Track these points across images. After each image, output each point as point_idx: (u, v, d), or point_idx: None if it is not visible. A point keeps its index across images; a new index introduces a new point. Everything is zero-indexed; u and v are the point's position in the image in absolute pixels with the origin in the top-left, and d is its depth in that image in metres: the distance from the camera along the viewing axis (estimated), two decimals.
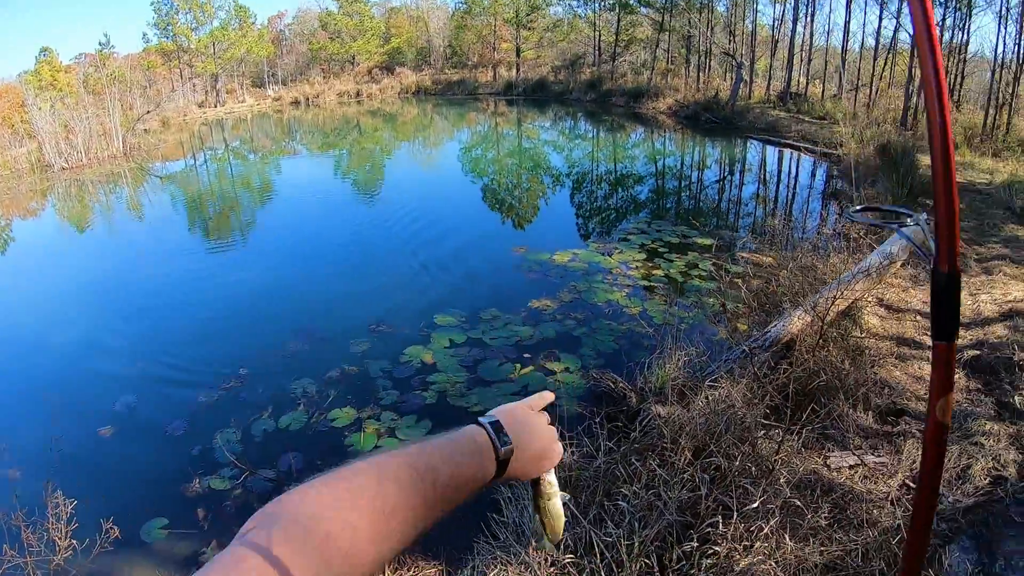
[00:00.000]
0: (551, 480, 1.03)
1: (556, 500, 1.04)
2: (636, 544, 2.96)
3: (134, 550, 4.04)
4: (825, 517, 3.04)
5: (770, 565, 2.78)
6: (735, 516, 2.91)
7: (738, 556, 2.78)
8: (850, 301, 5.34)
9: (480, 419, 0.92)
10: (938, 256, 0.81)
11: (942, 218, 0.80)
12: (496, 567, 3.21)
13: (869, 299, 5.97)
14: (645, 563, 2.96)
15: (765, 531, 2.85)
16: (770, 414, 3.91)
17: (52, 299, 8.57)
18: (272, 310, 7.54)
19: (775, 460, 3.32)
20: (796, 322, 4.85)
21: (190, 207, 14.28)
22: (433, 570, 3.55)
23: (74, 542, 3.51)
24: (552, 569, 3.10)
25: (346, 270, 9.08)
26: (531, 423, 0.98)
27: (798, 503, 3.04)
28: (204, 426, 5.09)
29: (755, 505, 2.93)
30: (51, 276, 9.79)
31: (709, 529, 2.96)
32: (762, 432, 3.60)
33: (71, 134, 18.99)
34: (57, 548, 3.50)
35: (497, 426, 0.91)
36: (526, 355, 5.77)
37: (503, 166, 17.60)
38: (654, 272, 7.62)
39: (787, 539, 2.88)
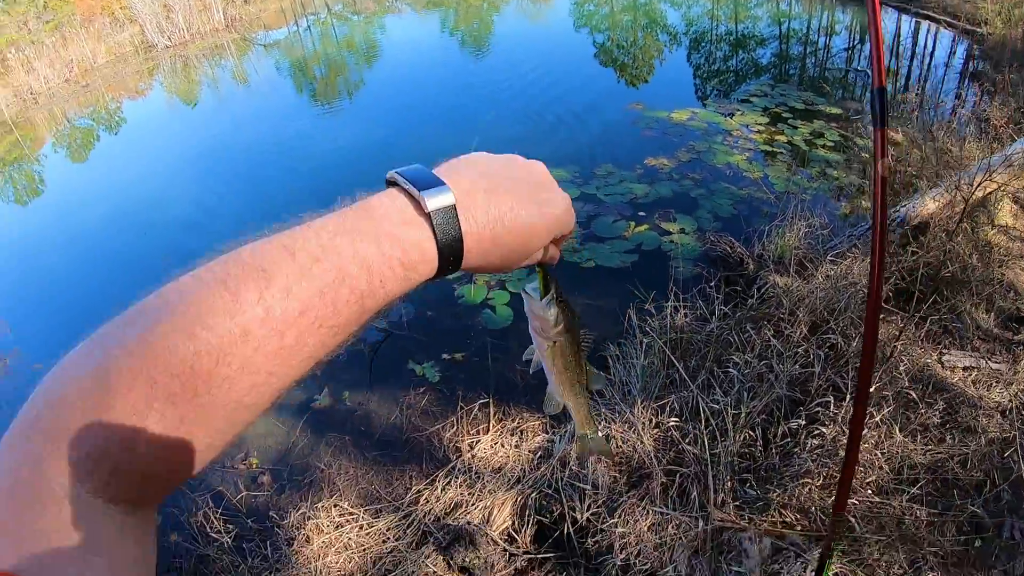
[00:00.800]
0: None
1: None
2: (743, 414, 3.07)
3: None
4: (938, 416, 3.07)
5: (876, 455, 2.87)
6: (847, 399, 2.95)
7: (844, 441, 2.86)
8: (989, 191, 5.00)
9: (396, 172, 0.63)
10: None
11: None
12: (600, 423, 3.39)
13: (1006, 192, 5.60)
14: (749, 435, 3.10)
15: (876, 419, 2.91)
16: (891, 298, 3.84)
17: (165, 171, 8.76)
18: (381, 168, 7.48)
19: (894, 347, 3.31)
20: (929, 204, 4.61)
21: (295, 73, 13.98)
22: (536, 422, 3.78)
23: None
24: (656, 431, 3.28)
25: (457, 126, 8.86)
26: (503, 170, 0.68)
27: (913, 395, 3.07)
28: None
29: (871, 389, 2.95)
30: (163, 149, 9.93)
31: (818, 409, 3.04)
32: (881, 315, 3.57)
33: (171, 12, 18.33)
34: None
35: (425, 179, 0.61)
36: (641, 213, 5.72)
37: (617, 22, 16.34)
38: (777, 138, 7.21)
39: (897, 431, 2.94)
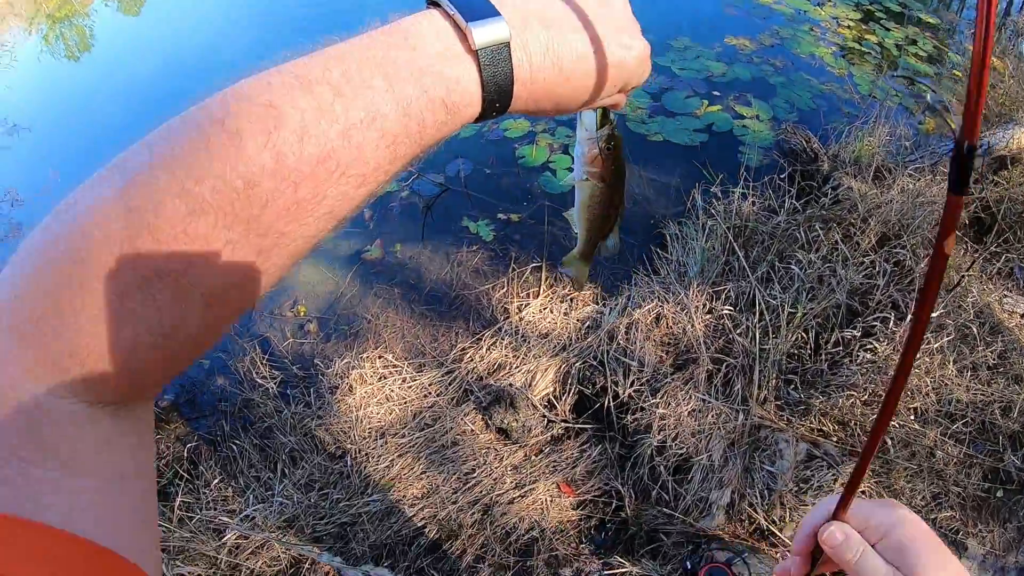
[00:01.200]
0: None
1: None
2: (799, 314, 3.01)
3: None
4: (993, 356, 2.98)
5: (925, 382, 2.80)
6: (907, 319, 2.85)
7: (896, 361, 2.78)
8: None
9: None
10: None
11: None
12: (652, 301, 3.34)
13: None
14: (801, 336, 3.04)
15: (933, 346, 2.82)
16: (965, 226, 3.67)
17: (221, 18, 8.31)
18: None
19: (963, 276, 3.18)
20: (1021, 138, 4.31)
21: None
22: (589, 291, 3.74)
23: None
24: (708, 317, 3.22)
25: None
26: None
27: (974, 330, 2.97)
28: None
29: (934, 315, 2.86)
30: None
31: (876, 324, 2.97)
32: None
33: None
34: None
35: (472, 2, 0.50)
36: (715, 92, 5.41)
37: None
38: (867, 37, 6.69)
39: (950, 363, 2.86)
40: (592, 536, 2.89)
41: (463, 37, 0.49)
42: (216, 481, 3.05)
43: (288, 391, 3.50)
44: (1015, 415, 2.81)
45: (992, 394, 2.86)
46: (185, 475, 3.15)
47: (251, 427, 3.35)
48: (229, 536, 2.76)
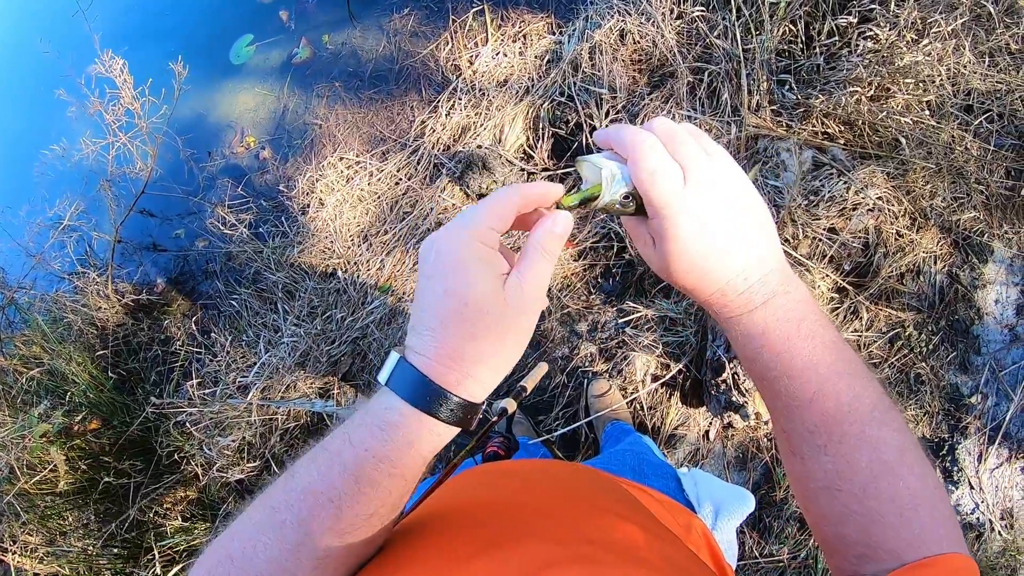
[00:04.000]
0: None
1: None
2: (782, 4, 2.64)
3: (230, 76, 4.03)
4: (1016, 41, 2.55)
5: (937, 70, 2.45)
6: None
7: (903, 49, 2.44)
8: None
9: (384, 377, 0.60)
10: None
11: None
12: (612, 17, 2.97)
13: None
14: (789, 29, 2.68)
15: (945, 30, 2.42)
16: None
17: None
18: None
19: None
20: None
21: None
22: (540, 23, 3.33)
23: (150, 98, 3.42)
24: (679, 23, 2.85)
25: None
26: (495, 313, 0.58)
27: (992, 10, 2.51)
28: None
29: None
30: None
31: (874, 7, 2.57)
32: None
33: None
34: (135, 114, 3.41)
35: (416, 382, 0.58)
36: None
37: None
38: None
39: (966, 48, 2.47)
40: (600, 285, 2.81)
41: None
42: (229, 341, 3.03)
43: (262, 228, 3.38)
44: None
45: (1012, 83, 2.51)
46: (201, 347, 3.14)
47: (242, 278, 3.29)
48: (253, 393, 2.77)
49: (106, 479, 2.69)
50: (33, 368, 2.92)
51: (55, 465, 2.58)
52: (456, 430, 0.59)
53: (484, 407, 0.61)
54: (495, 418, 0.82)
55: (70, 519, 2.65)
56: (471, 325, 0.57)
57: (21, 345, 3.03)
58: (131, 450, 2.85)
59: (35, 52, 4.37)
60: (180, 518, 2.77)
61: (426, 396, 0.57)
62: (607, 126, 0.72)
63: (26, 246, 3.74)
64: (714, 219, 0.62)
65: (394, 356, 0.60)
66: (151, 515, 2.76)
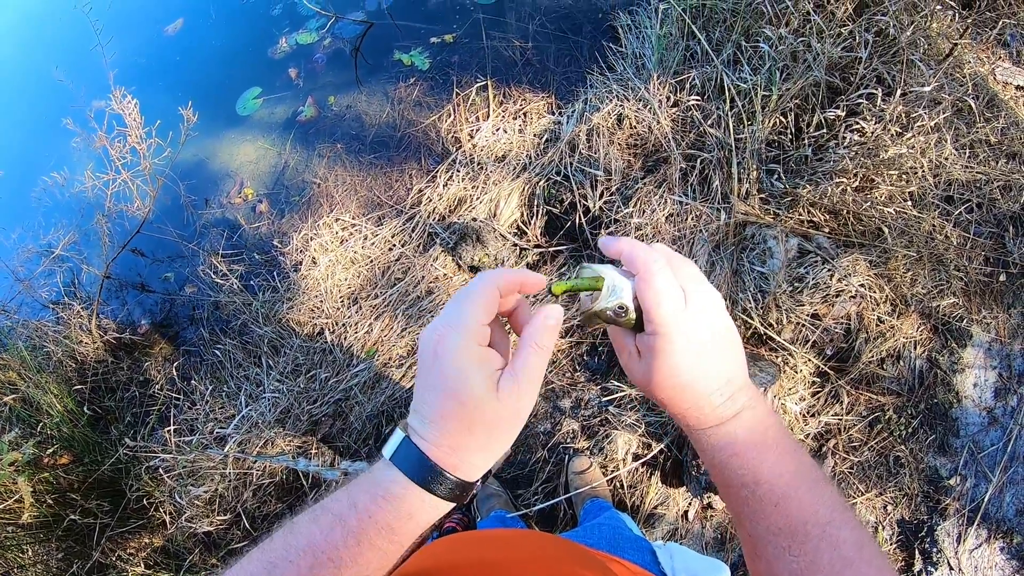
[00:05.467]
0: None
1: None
2: (774, 97, 2.73)
3: (234, 127, 4.08)
4: (995, 134, 2.73)
5: (920, 162, 2.58)
6: (897, 94, 2.60)
7: (887, 142, 2.56)
8: None
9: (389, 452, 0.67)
10: None
11: None
12: (611, 101, 3.07)
13: None
14: (779, 120, 2.79)
15: (928, 124, 2.56)
16: None
17: None
18: None
19: (955, 45, 2.84)
20: None
21: None
22: (541, 102, 3.44)
23: (156, 140, 3.50)
24: (674, 111, 2.96)
25: None
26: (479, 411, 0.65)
27: (972, 105, 2.68)
28: None
29: (927, 88, 2.57)
30: None
31: (861, 101, 2.69)
32: (939, 5, 3.00)
33: None
34: (139, 153, 3.49)
35: (419, 463, 0.64)
36: None
37: None
38: None
39: (948, 142, 2.61)
40: (586, 362, 2.85)
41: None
42: (209, 391, 3.01)
43: (252, 280, 3.39)
44: (1015, 194, 2.64)
45: (991, 173, 2.66)
46: (180, 392, 3.11)
47: (228, 328, 3.28)
48: (231, 446, 2.75)
49: (72, 517, 2.63)
50: (7, 394, 2.89)
51: (21, 496, 2.54)
52: (452, 505, 0.65)
53: (478, 486, 0.67)
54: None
55: (30, 552, 2.59)
56: (469, 421, 0.62)
57: None
58: (100, 490, 2.79)
59: (48, 79, 4.44)
60: (143, 565, 2.71)
61: (427, 475, 0.63)
62: (609, 235, 0.80)
63: (15, 270, 3.74)
64: (704, 340, 0.68)
65: (399, 435, 0.66)
66: (113, 558, 2.70)
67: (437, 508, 0.64)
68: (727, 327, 0.71)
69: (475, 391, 0.62)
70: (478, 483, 0.67)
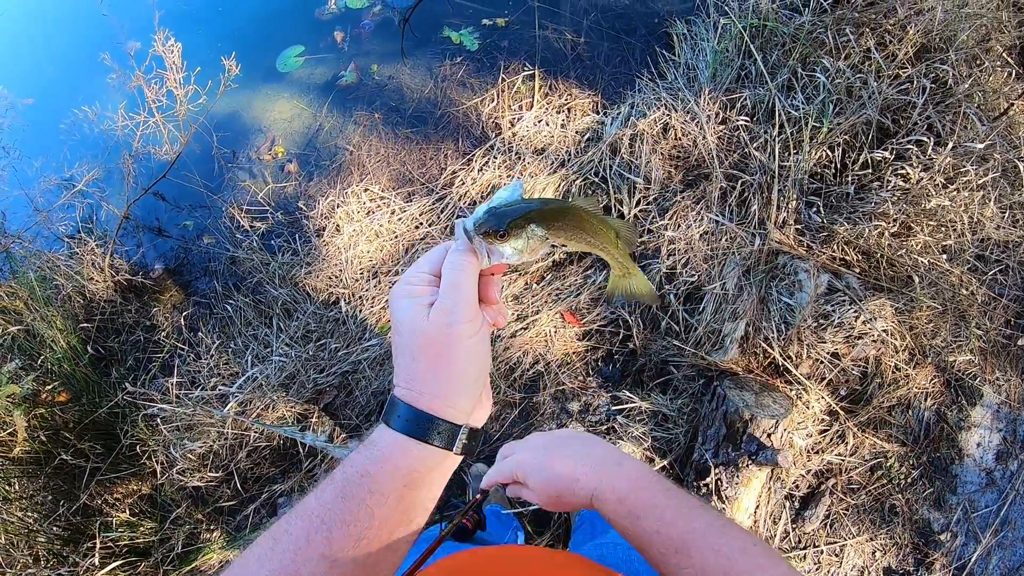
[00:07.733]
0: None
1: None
2: (824, 129, 2.70)
3: (272, 82, 4.02)
4: None
5: (961, 218, 2.55)
6: (948, 146, 2.56)
7: (931, 192, 2.53)
8: None
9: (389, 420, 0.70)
10: None
11: None
12: (658, 109, 3.03)
13: None
14: (826, 154, 2.76)
15: (974, 181, 2.53)
16: (1013, 49, 3.15)
17: None
18: None
19: (1011, 104, 2.80)
20: None
21: None
22: (586, 100, 3.40)
23: (195, 87, 3.48)
24: (721, 128, 2.92)
25: None
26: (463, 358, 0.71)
27: (1021, 168, 2.65)
28: None
29: (980, 146, 2.53)
30: None
31: (910, 147, 2.66)
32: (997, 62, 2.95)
33: None
34: (176, 98, 3.45)
35: (387, 402, 0.70)
36: None
37: None
38: None
39: (992, 202, 2.59)
40: (599, 368, 2.82)
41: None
42: (216, 345, 2.98)
43: (273, 241, 3.35)
44: None
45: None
46: (186, 343, 3.09)
47: (242, 284, 3.24)
48: (232, 405, 2.73)
49: (63, 456, 2.61)
50: (12, 324, 2.86)
51: (15, 430, 2.52)
52: (423, 446, 0.67)
53: (461, 435, 0.70)
54: (478, 496, 1.04)
55: (16, 486, 2.57)
56: (409, 348, 0.68)
57: (4, 296, 2.96)
58: (94, 432, 2.77)
59: (92, 11, 4.38)
60: (128, 511, 2.69)
61: (389, 410, 0.68)
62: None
63: (34, 199, 3.70)
64: (551, 472, 0.92)
65: None
66: (100, 502, 2.68)
67: (405, 448, 0.67)
68: (557, 443, 0.97)
69: (403, 317, 0.68)
70: (445, 422, 0.69)
